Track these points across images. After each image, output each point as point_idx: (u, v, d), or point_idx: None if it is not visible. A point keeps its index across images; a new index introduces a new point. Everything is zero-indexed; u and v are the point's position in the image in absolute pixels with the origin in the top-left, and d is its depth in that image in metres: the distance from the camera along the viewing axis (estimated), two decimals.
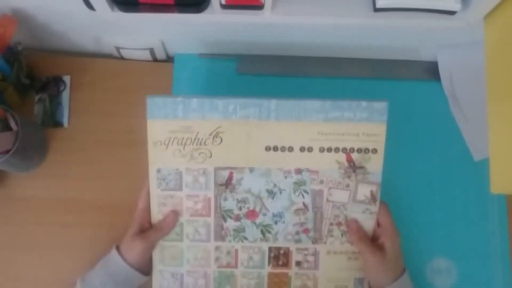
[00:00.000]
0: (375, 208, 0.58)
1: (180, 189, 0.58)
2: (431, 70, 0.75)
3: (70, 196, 0.71)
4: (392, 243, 0.57)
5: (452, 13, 0.56)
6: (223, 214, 0.58)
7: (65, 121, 0.73)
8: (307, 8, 0.58)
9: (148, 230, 0.58)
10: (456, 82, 0.73)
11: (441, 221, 0.71)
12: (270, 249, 0.59)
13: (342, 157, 0.57)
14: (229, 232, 0.59)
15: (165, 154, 0.56)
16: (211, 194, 0.58)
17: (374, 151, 0.57)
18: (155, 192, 0.58)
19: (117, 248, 0.58)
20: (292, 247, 0.59)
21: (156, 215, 0.58)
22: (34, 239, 0.69)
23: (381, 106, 0.56)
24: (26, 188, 0.71)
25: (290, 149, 0.57)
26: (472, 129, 0.73)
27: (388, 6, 0.56)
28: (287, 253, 0.59)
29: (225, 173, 0.57)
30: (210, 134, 0.56)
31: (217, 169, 0.57)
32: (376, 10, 0.56)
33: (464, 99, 0.73)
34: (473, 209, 0.71)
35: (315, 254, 0.59)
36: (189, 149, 0.56)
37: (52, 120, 0.73)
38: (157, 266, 0.59)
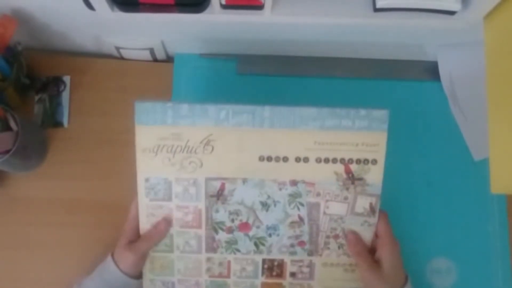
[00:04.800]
0: (374, 220, 0.56)
1: (170, 199, 0.55)
2: (431, 70, 0.75)
3: (70, 196, 0.71)
4: (391, 255, 0.55)
5: (452, 13, 0.56)
6: (215, 226, 0.56)
7: (65, 121, 0.73)
8: (307, 8, 0.58)
9: (138, 241, 0.56)
10: (456, 82, 0.73)
11: (441, 221, 0.71)
12: (264, 261, 0.57)
13: (340, 168, 0.54)
14: (221, 244, 0.57)
15: (154, 162, 0.54)
16: (202, 205, 0.55)
17: (374, 161, 0.54)
18: (144, 202, 0.55)
19: (113, 255, 0.58)
20: (287, 259, 0.57)
21: (145, 225, 0.56)
22: (34, 239, 0.69)
23: (382, 114, 0.53)
24: (26, 188, 0.71)
25: (285, 159, 0.54)
26: (472, 129, 0.73)
27: (388, 6, 0.56)
28: (281, 264, 0.57)
29: (217, 184, 0.55)
30: (201, 142, 0.53)
31: (208, 180, 0.54)
32: (376, 10, 0.56)
33: (464, 99, 0.73)
34: (473, 209, 0.71)
35: (310, 266, 0.57)
36: (179, 157, 0.53)
37: (52, 120, 0.73)
38: (147, 276, 0.58)
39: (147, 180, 0.54)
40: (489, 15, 0.54)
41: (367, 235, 0.57)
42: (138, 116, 0.53)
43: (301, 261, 0.57)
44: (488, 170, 0.52)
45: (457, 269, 0.70)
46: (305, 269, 0.57)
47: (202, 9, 0.57)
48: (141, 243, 0.56)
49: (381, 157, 0.54)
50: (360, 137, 0.53)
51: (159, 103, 0.52)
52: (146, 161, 0.54)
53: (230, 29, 0.67)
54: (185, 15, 0.58)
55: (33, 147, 0.69)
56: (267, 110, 0.53)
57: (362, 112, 0.53)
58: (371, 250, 0.57)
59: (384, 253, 0.55)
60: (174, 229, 0.56)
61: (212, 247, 0.57)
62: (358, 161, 0.54)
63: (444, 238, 0.70)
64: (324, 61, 0.76)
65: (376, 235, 0.57)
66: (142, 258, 0.57)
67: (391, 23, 0.59)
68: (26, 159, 0.68)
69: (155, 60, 0.77)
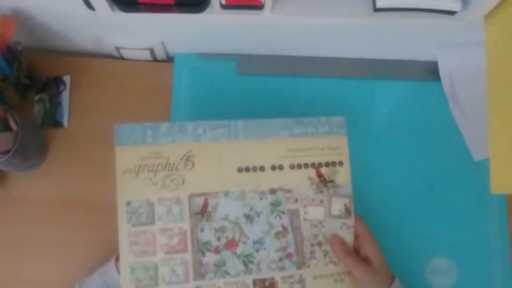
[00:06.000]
0: (351, 221, 0.58)
1: (153, 222, 0.54)
2: (431, 70, 0.75)
3: (70, 196, 0.71)
4: (376, 250, 0.56)
5: (452, 13, 0.56)
6: (201, 248, 0.55)
7: (65, 121, 0.73)
8: (307, 8, 0.58)
9: None
10: (456, 82, 0.73)
11: (441, 221, 0.71)
12: (254, 282, 0.56)
13: (312, 172, 0.58)
14: (209, 268, 0.55)
15: (135, 183, 0.54)
16: (186, 225, 0.54)
17: (341, 163, 0.59)
18: (125, 229, 0.53)
19: (116, 259, 0.58)
20: (277, 276, 0.57)
21: (127, 257, 0.53)
22: (34, 239, 0.69)
23: (339, 120, 0.59)
24: (26, 188, 0.71)
25: (262, 168, 0.57)
26: (472, 129, 0.73)
27: (388, 6, 0.56)
28: (272, 284, 0.56)
29: (200, 200, 0.55)
30: (182, 159, 0.55)
31: (191, 197, 0.55)
32: (376, 10, 0.57)
33: (464, 99, 0.73)
34: (473, 209, 0.71)
35: (301, 281, 0.57)
36: (161, 176, 0.54)
37: (52, 120, 0.73)
38: None
39: (128, 203, 0.54)
40: (489, 15, 0.54)
41: (347, 238, 0.58)
42: (118, 138, 0.54)
43: (292, 276, 0.57)
44: (488, 170, 0.52)
45: (457, 269, 0.69)
46: (297, 286, 0.57)
47: (202, 9, 0.57)
48: None
49: (345, 158, 0.59)
50: (325, 141, 0.59)
51: (138, 124, 0.54)
52: (127, 183, 0.54)
53: (230, 29, 0.67)
54: (185, 15, 0.58)
55: (33, 147, 0.69)
56: (240, 124, 0.57)
57: (322, 119, 0.59)
58: (355, 252, 0.57)
59: (369, 249, 0.56)
60: (159, 257, 0.54)
61: (200, 273, 0.55)
62: (327, 164, 0.59)
63: (444, 238, 0.70)
64: (324, 61, 0.76)
65: (355, 236, 0.58)
66: None
67: (391, 23, 0.59)
68: (26, 159, 0.68)
69: (155, 60, 0.77)
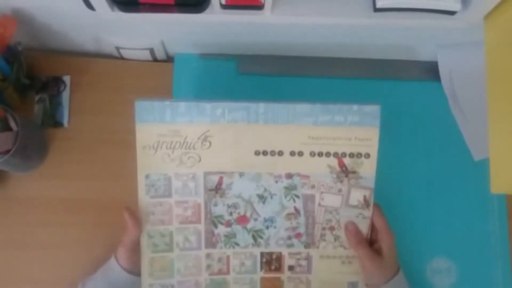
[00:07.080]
0: (368, 212, 0.57)
1: (170, 195, 0.57)
2: (431, 70, 0.75)
3: (70, 196, 0.71)
4: (390, 245, 0.57)
5: (452, 13, 0.56)
6: (214, 220, 0.57)
7: (65, 121, 0.73)
8: (307, 8, 0.58)
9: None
10: (456, 82, 0.73)
11: (441, 221, 0.71)
12: (262, 254, 0.58)
13: (333, 161, 0.56)
14: (220, 239, 0.58)
15: (153, 159, 0.55)
16: (200, 199, 0.57)
17: (367, 155, 0.56)
18: (144, 200, 0.56)
19: (115, 254, 0.58)
20: (285, 251, 0.58)
21: (144, 224, 0.57)
22: (34, 239, 0.69)
23: (373, 109, 0.55)
24: (26, 188, 0.71)
25: (280, 153, 0.56)
26: (472, 129, 0.73)
27: (388, 6, 0.56)
28: (279, 258, 0.59)
29: (215, 178, 0.56)
30: (199, 138, 0.55)
31: (206, 174, 0.56)
32: (376, 10, 0.56)
33: (464, 99, 0.73)
34: (473, 209, 0.71)
35: (308, 258, 0.59)
36: (178, 153, 0.56)
37: (52, 120, 0.73)
38: (146, 280, 0.57)
39: (147, 177, 0.56)
40: (489, 15, 0.54)
41: (362, 227, 0.58)
42: (138, 114, 0.55)
43: (299, 253, 0.59)
44: (488, 170, 0.52)
45: (457, 269, 0.70)
46: (303, 262, 0.59)
47: (202, 9, 0.57)
48: (123, 236, 0.57)
49: (373, 151, 0.56)
50: (353, 132, 0.55)
51: (158, 102, 0.55)
52: (146, 158, 0.55)
53: (230, 29, 0.67)
54: (185, 15, 0.58)
55: (33, 147, 0.69)
56: (261, 107, 0.55)
57: (354, 107, 0.55)
58: (370, 243, 0.58)
59: (384, 244, 0.57)
60: (174, 226, 0.57)
61: (211, 242, 0.58)
62: (351, 155, 0.56)
63: (444, 238, 0.70)
64: (324, 61, 0.76)
65: (373, 227, 0.58)
66: (132, 250, 0.57)
67: (391, 23, 0.59)
68: (26, 159, 0.68)
69: (155, 60, 0.77)
